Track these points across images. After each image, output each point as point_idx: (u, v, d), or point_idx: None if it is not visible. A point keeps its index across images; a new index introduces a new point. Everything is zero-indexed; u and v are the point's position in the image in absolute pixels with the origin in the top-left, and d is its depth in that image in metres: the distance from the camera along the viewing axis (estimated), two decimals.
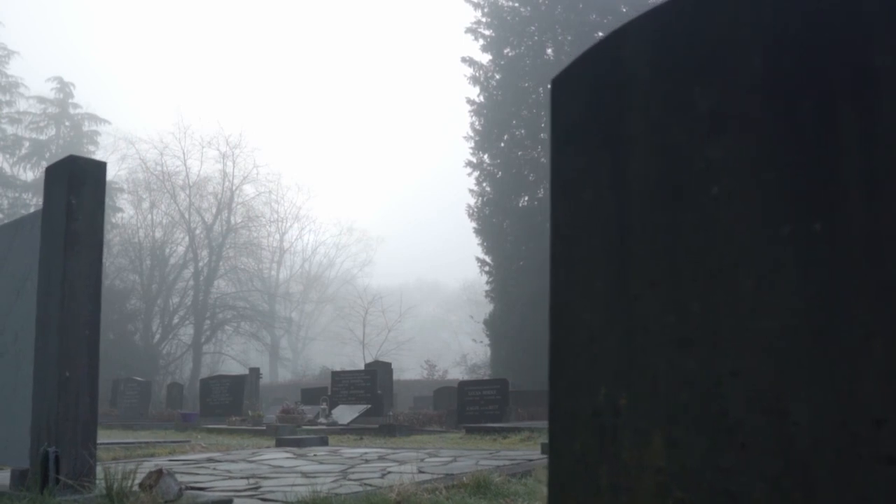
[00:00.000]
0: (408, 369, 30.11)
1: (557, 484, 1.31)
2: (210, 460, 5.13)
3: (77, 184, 3.13)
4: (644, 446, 1.02)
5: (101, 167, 3.25)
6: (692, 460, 0.96)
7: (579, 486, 1.25)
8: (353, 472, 4.14)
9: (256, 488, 3.52)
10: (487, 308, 24.92)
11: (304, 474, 4.11)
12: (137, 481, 2.87)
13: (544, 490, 3.64)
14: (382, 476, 3.95)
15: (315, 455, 5.35)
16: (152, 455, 5.90)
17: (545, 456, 5.08)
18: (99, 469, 3.03)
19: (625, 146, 1.14)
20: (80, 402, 2.95)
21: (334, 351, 38.44)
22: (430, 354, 31.48)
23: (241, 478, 3.97)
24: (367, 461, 4.83)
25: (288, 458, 5.16)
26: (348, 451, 5.74)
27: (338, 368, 24.27)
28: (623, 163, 1.14)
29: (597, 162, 1.22)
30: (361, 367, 25.40)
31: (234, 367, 29.61)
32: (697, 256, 1.00)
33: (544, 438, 8.62)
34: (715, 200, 0.97)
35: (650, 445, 1.02)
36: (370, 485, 3.56)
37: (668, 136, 1.06)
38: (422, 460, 4.80)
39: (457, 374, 27.90)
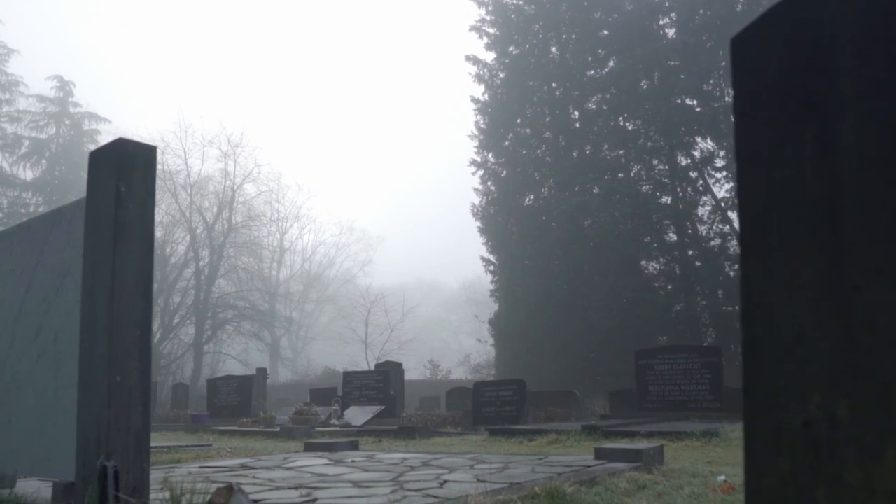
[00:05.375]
0: (409, 369, 29.96)
1: None
2: (244, 467, 4.86)
3: (127, 169, 2.87)
4: (873, 465, 0.85)
5: (151, 151, 2.99)
6: None
7: None
8: (406, 481, 3.89)
9: (313, 500, 3.27)
10: (488, 307, 24.77)
11: (355, 483, 3.85)
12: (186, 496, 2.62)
13: (626, 501, 3.40)
14: (441, 485, 3.70)
15: (353, 461, 5.09)
16: (179, 461, 5.63)
17: (601, 462, 4.85)
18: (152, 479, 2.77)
19: (832, 112, 0.95)
20: (132, 409, 2.68)
21: (335, 350, 38.25)
22: (431, 354, 31.35)
23: (289, 488, 3.71)
24: (412, 468, 4.57)
25: (326, 464, 4.90)
26: (386, 457, 5.48)
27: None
28: (831, 131, 0.96)
29: (797, 131, 1.02)
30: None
31: (234, 367, 29.39)
32: None
33: (573, 441, 8.34)
34: None
35: (882, 464, 0.85)
36: (435, 496, 3.30)
37: (891, 100, 0.86)
38: (471, 467, 4.54)
39: (460, 374, 27.71)
